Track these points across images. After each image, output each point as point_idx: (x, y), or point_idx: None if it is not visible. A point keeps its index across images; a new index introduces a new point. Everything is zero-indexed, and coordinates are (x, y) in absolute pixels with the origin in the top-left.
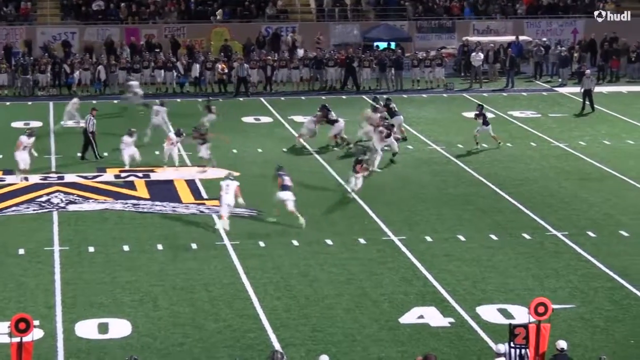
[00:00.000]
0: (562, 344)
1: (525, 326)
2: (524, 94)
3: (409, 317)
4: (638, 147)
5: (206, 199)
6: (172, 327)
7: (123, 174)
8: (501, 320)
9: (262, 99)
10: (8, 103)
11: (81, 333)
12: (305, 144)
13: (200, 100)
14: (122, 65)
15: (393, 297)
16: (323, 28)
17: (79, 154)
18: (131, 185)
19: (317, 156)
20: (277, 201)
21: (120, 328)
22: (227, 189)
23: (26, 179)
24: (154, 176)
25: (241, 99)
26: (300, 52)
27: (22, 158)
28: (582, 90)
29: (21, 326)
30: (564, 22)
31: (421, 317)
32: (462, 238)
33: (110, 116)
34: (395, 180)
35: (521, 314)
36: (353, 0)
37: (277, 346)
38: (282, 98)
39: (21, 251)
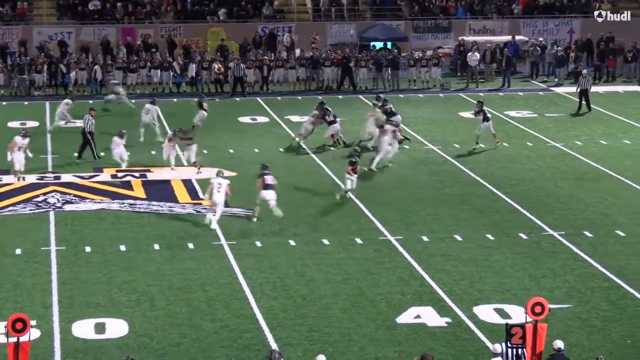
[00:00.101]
0: (559, 343)
1: (522, 326)
2: (521, 93)
3: (406, 317)
4: (634, 147)
5: (203, 199)
6: (169, 327)
7: (120, 174)
8: (498, 320)
9: (258, 98)
10: (4, 103)
11: (78, 333)
12: (302, 143)
13: (195, 100)
14: (119, 65)
15: (390, 297)
16: (319, 28)
17: (76, 154)
18: (128, 185)
19: (313, 156)
20: (260, 200)
21: (117, 328)
22: (219, 187)
23: (23, 178)
24: (150, 176)
25: (238, 98)
26: (297, 52)
27: (18, 159)
28: (579, 90)
29: (18, 326)
30: (560, 21)
31: (418, 317)
32: (458, 238)
33: (105, 115)
34: (391, 180)
35: (518, 314)
36: (349, 0)
37: (274, 346)
38: (279, 98)
39: (18, 251)
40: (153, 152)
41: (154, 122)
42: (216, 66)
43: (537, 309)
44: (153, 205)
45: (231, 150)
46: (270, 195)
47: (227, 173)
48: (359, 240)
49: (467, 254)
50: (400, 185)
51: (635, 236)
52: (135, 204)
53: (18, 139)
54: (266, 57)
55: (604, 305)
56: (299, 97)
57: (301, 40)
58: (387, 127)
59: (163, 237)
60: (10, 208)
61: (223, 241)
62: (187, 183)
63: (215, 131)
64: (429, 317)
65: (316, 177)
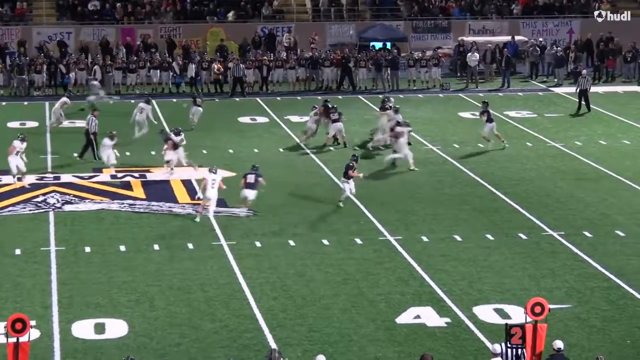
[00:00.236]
0: (558, 344)
1: (521, 326)
2: (520, 94)
3: (406, 317)
4: (634, 147)
5: (202, 199)
6: (169, 328)
7: (119, 174)
8: (497, 320)
9: (258, 99)
10: (4, 103)
11: (78, 333)
12: (306, 142)
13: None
14: (118, 65)
15: (389, 297)
16: (319, 28)
17: (75, 154)
18: (127, 186)
19: (313, 156)
20: (241, 198)
21: (116, 328)
22: (214, 183)
23: (20, 179)
24: (150, 176)
25: (237, 99)
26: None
27: (17, 163)
28: (578, 90)
29: (18, 326)
30: (560, 22)
31: (418, 317)
32: (458, 238)
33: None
34: (391, 180)
35: (517, 314)
36: (349, 0)
37: (273, 346)
38: (278, 98)
39: (17, 251)
40: (153, 153)
41: (145, 122)
42: (216, 66)
43: (537, 309)
44: (153, 205)
45: (231, 151)
46: (249, 194)
47: (226, 173)
48: (358, 241)
49: (467, 254)
50: (399, 185)
51: (634, 236)
52: (135, 204)
53: (17, 143)
54: (265, 58)
55: (603, 306)
56: (299, 98)
57: (300, 40)
58: (401, 129)
59: (163, 237)
60: (10, 208)
61: (223, 241)
62: (187, 183)
63: (215, 131)
64: (429, 317)
65: (316, 177)
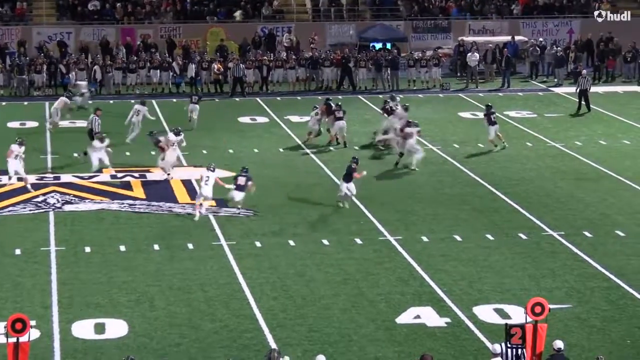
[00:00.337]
0: (559, 344)
1: (521, 326)
2: (520, 94)
3: (406, 317)
4: (634, 147)
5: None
6: (169, 328)
7: (119, 174)
8: (497, 320)
9: (258, 99)
10: (4, 103)
11: (78, 333)
12: (311, 142)
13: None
14: (118, 65)
15: (389, 297)
16: (319, 28)
17: (75, 154)
18: (127, 186)
19: (313, 156)
20: (228, 198)
21: (116, 328)
22: (207, 180)
23: (19, 179)
24: (150, 176)
25: (237, 99)
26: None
27: (15, 166)
28: (578, 90)
29: (18, 326)
30: (560, 22)
31: (418, 317)
32: (458, 238)
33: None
34: (391, 180)
35: (518, 314)
36: (349, 0)
37: (273, 346)
38: (278, 98)
39: (17, 251)
40: (153, 153)
41: (140, 123)
42: (216, 66)
43: (537, 309)
44: (153, 205)
45: (231, 151)
46: (237, 196)
47: (226, 173)
48: (358, 241)
49: (467, 254)
50: (399, 185)
51: (634, 236)
52: (135, 204)
53: (15, 147)
54: (265, 58)
55: (603, 306)
56: (299, 98)
57: (300, 40)
58: (411, 129)
59: (163, 238)
60: (10, 208)
61: (223, 241)
62: (187, 183)
63: (215, 131)
64: (429, 317)
65: (316, 177)
